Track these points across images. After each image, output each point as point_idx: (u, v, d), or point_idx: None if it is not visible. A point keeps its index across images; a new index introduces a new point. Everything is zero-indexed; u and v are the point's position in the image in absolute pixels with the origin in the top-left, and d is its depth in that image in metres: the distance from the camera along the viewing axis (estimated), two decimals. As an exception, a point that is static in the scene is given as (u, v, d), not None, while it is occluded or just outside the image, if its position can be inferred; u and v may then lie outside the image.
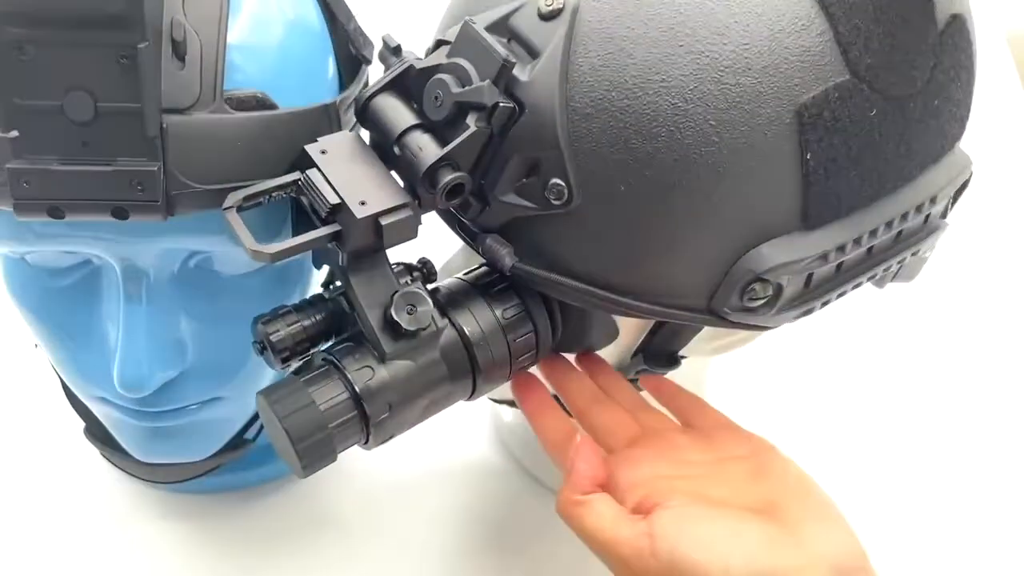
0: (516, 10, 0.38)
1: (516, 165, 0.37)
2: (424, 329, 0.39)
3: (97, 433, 0.51)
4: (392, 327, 0.38)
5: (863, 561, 0.36)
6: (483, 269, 0.43)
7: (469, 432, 0.66)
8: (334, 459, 0.38)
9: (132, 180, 0.36)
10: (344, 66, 0.47)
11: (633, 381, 0.47)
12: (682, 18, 0.34)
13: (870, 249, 0.39)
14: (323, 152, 0.39)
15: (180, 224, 0.40)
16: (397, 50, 0.40)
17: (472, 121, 0.36)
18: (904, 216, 0.39)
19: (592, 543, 0.39)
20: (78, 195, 0.36)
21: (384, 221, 0.37)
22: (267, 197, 0.38)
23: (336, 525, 0.60)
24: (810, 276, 0.37)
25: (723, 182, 0.35)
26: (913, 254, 0.41)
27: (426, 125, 0.38)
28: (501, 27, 0.38)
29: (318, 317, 0.40)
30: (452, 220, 0.42)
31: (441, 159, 0.37)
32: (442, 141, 0.37)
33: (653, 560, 0.36)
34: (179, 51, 0.36)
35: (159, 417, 0.46)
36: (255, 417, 0.53)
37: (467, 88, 0.37)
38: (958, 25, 0.39)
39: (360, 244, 0.38)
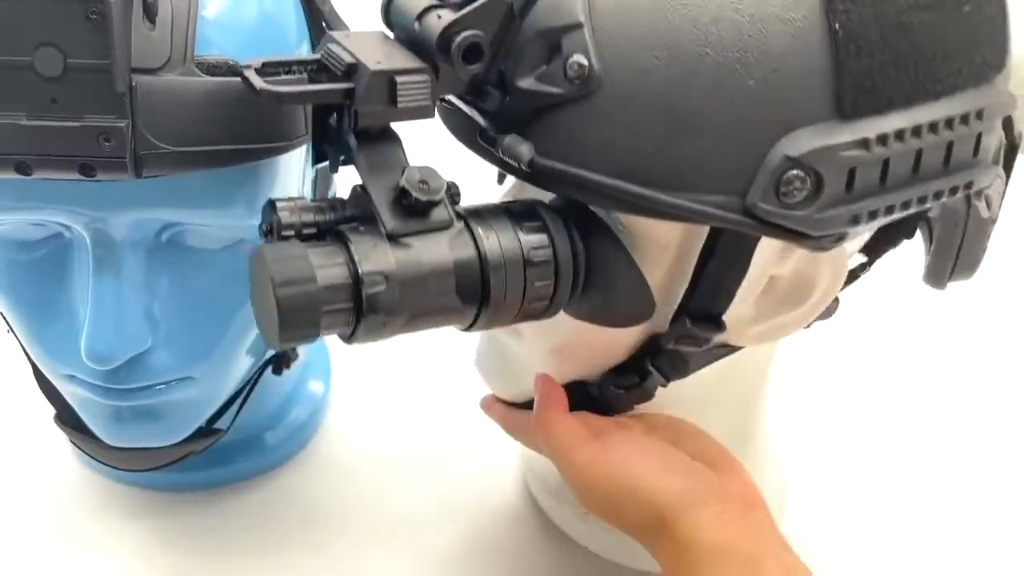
0: None
1: (537, 46, 0.36)
2: (435, 205, 0.36)
3: (67, 419, 0.51)
4: (401, 203, 0.36)
5: (763, 503, 0.43)
6: (512, 200, 0.41)
7: (493, 471, 0.64)
8: (315, 338, 0.36)
9: (100, 136, 0.36)
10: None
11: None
12: None
13: (918, 158, 0.37)
14: (347, 37, 0.38)
15: (151, 191, 0.40)
16: None
17: None
18: (949, 123, 0.37)
19: (556, 448, 0.44)
20: (45, 151, 0.36)
21: (399, 79, 0.35)
22: (286, 68, 0.37)
23: (313, 526, 0.59)
24: (852, 173, 0.35)
25: (751, 52, 0.34)
26: (966, 188, 0.39)
27: (446, 4, 0.37)
28: None
29: (331, 215, 0.37)
30: (470, 131, 0.40)
31: (456, 21, 0.35)
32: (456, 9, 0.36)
33: (603, 466, 0.43)
34: (150, 12, 0.37)
35: (128, 395, 0.46)
36: (227, 404, 0.53)
37: None
38: None
39: (373, 103, 0.36)
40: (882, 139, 0.35)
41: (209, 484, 0.59)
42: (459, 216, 0.38)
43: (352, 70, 0.36)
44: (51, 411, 0.53)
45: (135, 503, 0.59)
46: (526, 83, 0.37)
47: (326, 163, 0.51)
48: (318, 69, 0.37)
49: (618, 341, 0.44)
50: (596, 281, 0.40)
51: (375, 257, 0.35)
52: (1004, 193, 0.45)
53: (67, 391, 0.48)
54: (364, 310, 0.35)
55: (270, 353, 0.55)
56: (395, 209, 0.36)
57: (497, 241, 0.38)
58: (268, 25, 0.44)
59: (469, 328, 0.39)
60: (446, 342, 0.73)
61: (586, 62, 0.35)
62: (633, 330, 0.43)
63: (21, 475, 0.60)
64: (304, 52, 0.47)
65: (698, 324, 0.41)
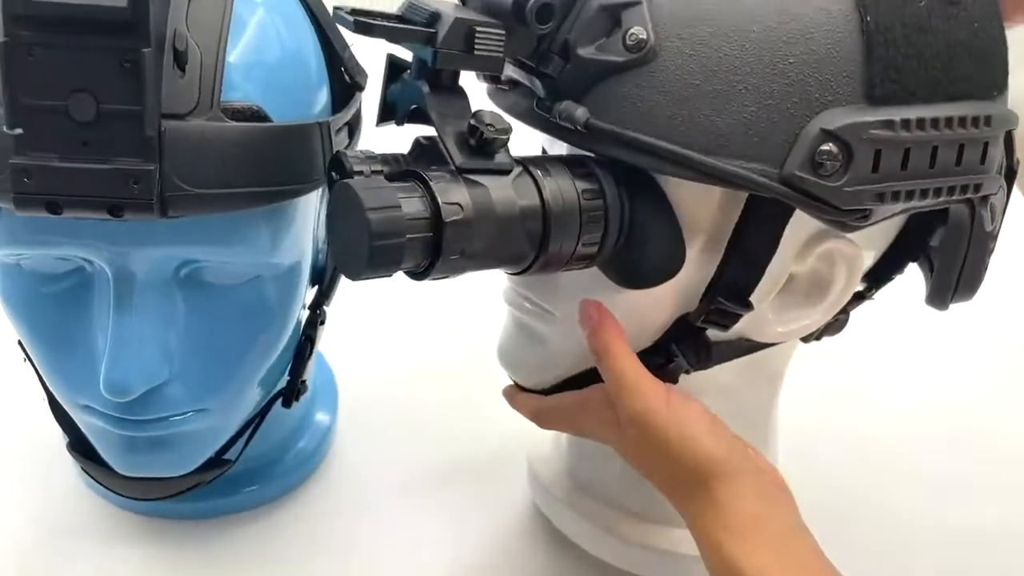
0: None
1: (599, 19, 0.40)
2: (502, 145, 0.39)
3: (80, 447, 0.52)
4: (468, 142, 0.39)
5: (788, 488, 0.45)
6: (565, 154, 0.44)
7: (501, 494, 0.64)
8: (395, 270, 0.37)
9: (128, 178, 0.37)
10: (337, 92, 0.49)
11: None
12: None
13: (933, 153, 0.40)
14: None
15: (174, 230, 0.41)
16: None
17: None
18: (962, 121, 0.41)
19: (623, 384, 0.44)
20: (76, 191, 0.37)
21: (479, 29, 0.39)
22: (372, 16, 0.39)
23: (320, 555, 0.60)
24: (878, 154, 0.39)
25: (793, 33, 0.39)
26: (975, 190, 0.43)
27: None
28: None
29: (395, 166, 0.39)
30: (525, 104, 0.44)
31: None
32: None
33: (666, 413, 0.44)
34: (180, 60, 0.38)
35: (142, 426, 0.47)
36: (237, 436, 0.53)
37: None
38: None
39: (453, 47, 0.39)
40: (905, 124, 0.39)
41: (217, 513, 0.60)
42: (518, 162, 0.40)
43: (435, 18, 0.39)
44: (62, 437, 0.54)
45: (143, 530, 0.59)
46: (587, 52, 0.41)
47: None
48: (401, 22, 0.39)
49: (650, 320, 0.46)
50: (636, 232, 0.42)
51: (451, 191, 0.37)
52: (1005, 210, 0.48)
53: (82, 421, 0.49)
54: (443, 241, 0.37)
55: (280, 385, 0.56)
56: (463, 148, 0.39)
57: (557, 185, 0.40)
58: (291, 68, 0.46)
59: (524, 272, 0.42)
60: (450, 372, 0.75)
61: (644, 34, 0.40)
62: (663, 308, 0.45)
63: (31, 500, 0.61)
64: (324, 96, 0.48)
65: (728, 300, 0.44)
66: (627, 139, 0.40)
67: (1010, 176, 0.47)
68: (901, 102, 0.40)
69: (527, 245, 0.40)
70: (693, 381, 0.47)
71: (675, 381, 0.47)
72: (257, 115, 0.42)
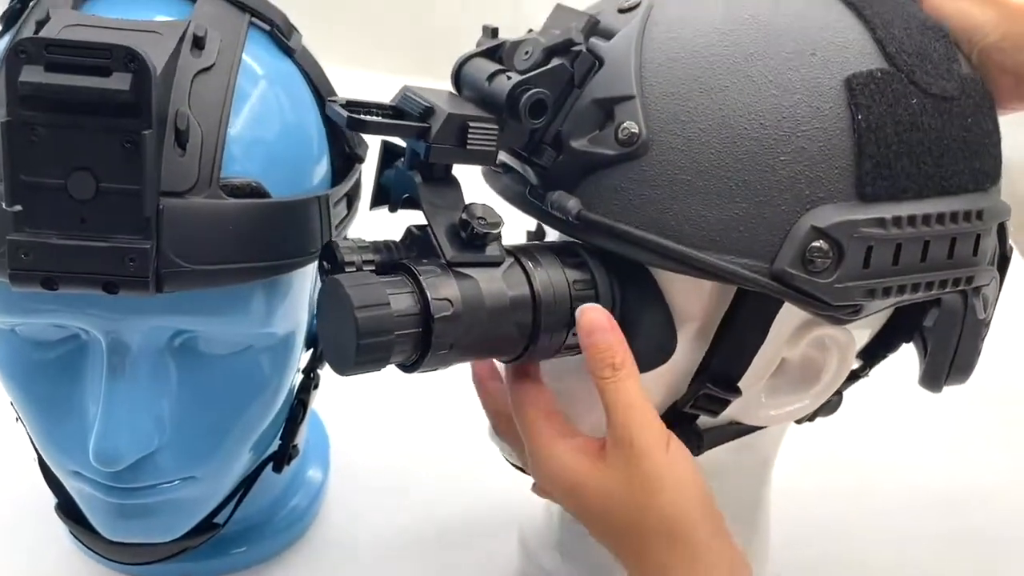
0: (598, 12, 0.43)
1: (592, 112, 0.41)
2: (493, 239, 0.39)
3: (68, 511, 0.51)
4: (459, 235, 0.39)
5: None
6: (557, 241, 0.44)
7: (493, 547, 0.64)
8: (384, 366, 0.37)
9: (125, 256, 0.37)
10: (338, 163, 0.50)
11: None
12: None
13: (925, 248, 0.41)
14: (422, 89, 0.41)
15: (169, 302, 0.41)
16: (495, 32, 0.44)
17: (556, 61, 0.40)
18: (954, 217, 0.41)
19: (627, 401, 0.40)
20: (72, 268, 0.37)
21: (471, 124, 0.39)
22: (366, 109, 0.40)
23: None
24: (870, 250, 0.40)
25: (785, 132, 0.39)
26: (968, 282, 0.43)
27: (512, 71, 0.41)
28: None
29: (387, 255, 0.39)
30: (518, 190, 0.44)
31: (525, 81, 0.40)
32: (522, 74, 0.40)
33: (664, 453, 0.40)
34: (181, 139, 0.39)
35: (131, 494, 0.47)
36: (226, 501, 0.53)
37: (557, 37, 0.41)
38: (979, 87, 0.44)
39: (446, 142, 0.39)
40: (896, 221, 0.40)
41: (208, 574, 0.59)
42: (509, 252, 0.40)
43: (429, 113, 0.39)
44: (51, 498, 0.54)
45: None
46: (579, 144, 0.41)
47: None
48: (394, 114, 0.40)
49: None
50: (628, 322, 0.42)
51: (441, 285, 0.37)
52: (998, 297, 0.48)
53: (71, 485, 0.49)
54: (432, 336, 0.37)
55: (271, 449, 0.55)
56: (454, 241, 0.39)
57: (547, 276, 0.41)
58: (292, 141, 0.46)
59: (515, 360, 0.42)
60: (440, 429, 0.74)
61: (636, 128, 0.40)
62: (653, 394, 0.44)
63: (22, 561, 0.61)
64: (324, 169, 0.49)
65: (717, 386, 0.44)
66: (619, 232, 0.40)
67: (1003, 264, 0.47)
68: (892, 199, 0.40)
69: (517, 336, 0.40)
70: None
71: None
72: (256, 191, 0.42)
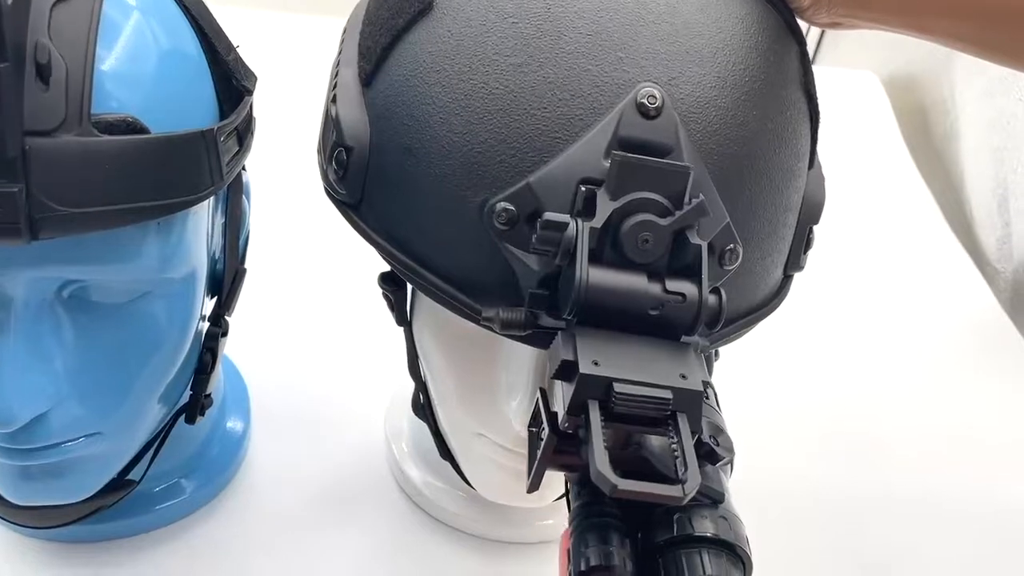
0: (617, 121, 0.38)
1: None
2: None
3: (-30, 479, 0.49)
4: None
5: None
6: None
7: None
8: None
9: (-9, 202, 0.35)
10: (224, 96, 0.47)
11: None
12: None
13: None
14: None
15: (50, 250, 0.39)
16: (562, 226, 0.35)
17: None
18: None
19: None
20: None
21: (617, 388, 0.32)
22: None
23: (238, 569, 0.58)
24: None
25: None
26: None
27: (650, 273, 0.35)
28: (612, 142, 0.37)
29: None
30: None
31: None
32: (672, 275, 0.35)
33: None
34: (43, 73, 0.36)
35: (33, 455, 0.45)
36: (138, 457, 0.51)
37: (677, 214, 0.35)
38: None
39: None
40: None
41: (129, 533, 0.58)
42: None
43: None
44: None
45: (52, 557, 0.57)
46: None
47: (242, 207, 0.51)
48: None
49: None
50: None
51: None
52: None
53: (-31, 451, 0.46)
54: None
55: (183, 401, 0.54)
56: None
57: None
58: (170, 74, 0.43)
59: None
60: (363, 368, 0.74)
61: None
62: None
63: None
64: (208, 103, 0.46)
65: None
66: None
67: None
68: None
69: None
70: None
71: None
72: (133, 127, 0.39)
